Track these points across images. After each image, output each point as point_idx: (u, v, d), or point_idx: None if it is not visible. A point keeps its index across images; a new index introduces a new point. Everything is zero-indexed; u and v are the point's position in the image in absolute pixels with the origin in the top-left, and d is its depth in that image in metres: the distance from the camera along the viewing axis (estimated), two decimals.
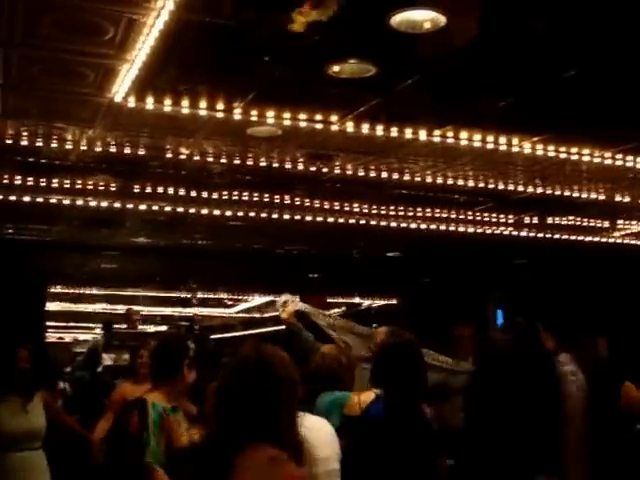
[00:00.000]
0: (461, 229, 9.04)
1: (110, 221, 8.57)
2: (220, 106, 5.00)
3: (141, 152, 6.13)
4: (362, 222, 8.63)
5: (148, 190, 7.26)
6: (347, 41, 4.02)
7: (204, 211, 7.94)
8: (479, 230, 9.15)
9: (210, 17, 3.81)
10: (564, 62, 4.38)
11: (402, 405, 3.65)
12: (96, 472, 5.28)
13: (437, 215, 8.57)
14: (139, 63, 4.28)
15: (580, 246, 9.78)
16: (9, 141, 5.85)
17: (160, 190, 7.28)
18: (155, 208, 7.79)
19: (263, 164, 6.48)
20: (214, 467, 2.13)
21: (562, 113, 5.23)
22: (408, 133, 5.56)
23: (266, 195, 7.68)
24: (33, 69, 4.51)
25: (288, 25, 3.66)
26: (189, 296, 14.43)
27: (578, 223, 8.90)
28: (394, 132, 5.52)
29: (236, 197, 7.62)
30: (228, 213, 8.03)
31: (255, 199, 7.71)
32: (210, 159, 6.35)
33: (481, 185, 7.22)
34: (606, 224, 9.03)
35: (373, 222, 8.68)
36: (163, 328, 21.11)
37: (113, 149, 6.04)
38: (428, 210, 8.42)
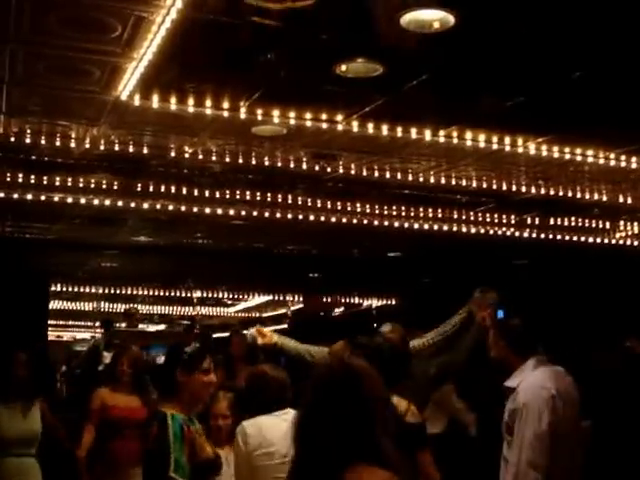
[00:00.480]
0: (462, 229, 9.04)
1: (112, 219, 8.55)
2: (226, 105, 4.99)
3: (145, 151, 6.12)
4: (364, 222, 8.63)
5: (151, 189, 7.25)
6: (356, 40, 4.00)
7: (206, 210, 7.92)
8: (480, 230, 9.15)
9: (217, 15, 3.80)
10: (571, 63, 4.37)
11: None
12: None
13: (438, 215, 8.57)
14: (146, 61, 4.27)
15: (581, 247, 9.78)
16: (12, 139, 5.84)
17: (162, 189, 7.28)
18: (157, 207, 7.77)
19: (266, 163, 6.48)
20: None
21: (567, 114, 5.23)
22: (413, 133, 5.55)
23: (268, 194, 7.67)
24: (39, 66, 4.48)
25: None
26: (189, 295, 14.43)
27: (580, 224, 8.90)
28: (399, 132, 5.52)
29: (238, 196, 7.61)
30: (231, 212, 8.02)
31: (257, 198, 7.70)
32: (213, 158, 6.35)
33: (484, 185, 7.22)
34: (607, 225, 9.03)
35: (375, 222, 8.68)
36: (162, 327, 21.16)
37: (117, 147, 6.03)
38: (430, 210, 8.42)
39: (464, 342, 4.88)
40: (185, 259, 11.12)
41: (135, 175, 6.98)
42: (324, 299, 14.99)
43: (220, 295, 15.18)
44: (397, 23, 3.72)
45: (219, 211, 7.98)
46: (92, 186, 7.17)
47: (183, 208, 7.88)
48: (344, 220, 8.48)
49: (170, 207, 7.82)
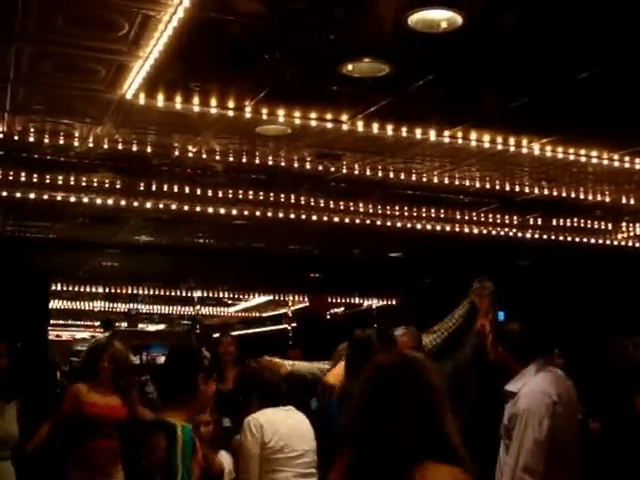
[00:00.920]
0: (465, 230, 9.03)
1: (114, 219, 8.54)
2: (231, 104, 4.98)
3: (148, 150, 6.10)
4: (366, 222, 8.61)
5: (153, 188, 7.24)
6: (363, 40, 4.00)
7: (209, 210, 7.91)
8: (483, 231, 9.14)
9: (223, 14, 3.79)
10: (576, 64, 4.37)
11: None
12: None
13: (441, 215, 8.56)
14: (151, 60, 4.25)
15: (584, 248, 9.78)
16: (16, 137, 5.82)
17: (165, 188, 7.26)
18: (160, 206, 7.76)
19: (270, 163, 6.46)
20: None
21: (573, 115, 5.22)
22: (418, 133, 5.54)
23: (271, 194, 7.66)
24: (44, 65, 4.46)
25: None
26: (190, 295, 14.41)
27: (583, 225, 8.89)
28: (404, 132, 5.51)
29: (241, 196, 7.60)
30: (233, 212, 8.01)
31: (260, 198, 7.69)
32: (217, 157, 6.33)
33: (487, 186, 7.21)
34: (610, 226, 9.03)
35: (377, 222, 8.67)
36: (162, 327, 21.14)
37: (120, 146, 6.02)
38: (432, 210, 8.41)
39: (466, 346, 4.87)
40: (186, 259, 11.10)
41: (138, 174, 6.96)
42: (329, 300, 14.97)
43: (220, 295, 15.17)
44: (404, 23, 3.71)
45: (221, 211, 7.97)
46: (95, 185, 7.15)
47: (186, 208, 7.86)
48: (346, 220, 8.47)
49: (173, 206, 7.80)
